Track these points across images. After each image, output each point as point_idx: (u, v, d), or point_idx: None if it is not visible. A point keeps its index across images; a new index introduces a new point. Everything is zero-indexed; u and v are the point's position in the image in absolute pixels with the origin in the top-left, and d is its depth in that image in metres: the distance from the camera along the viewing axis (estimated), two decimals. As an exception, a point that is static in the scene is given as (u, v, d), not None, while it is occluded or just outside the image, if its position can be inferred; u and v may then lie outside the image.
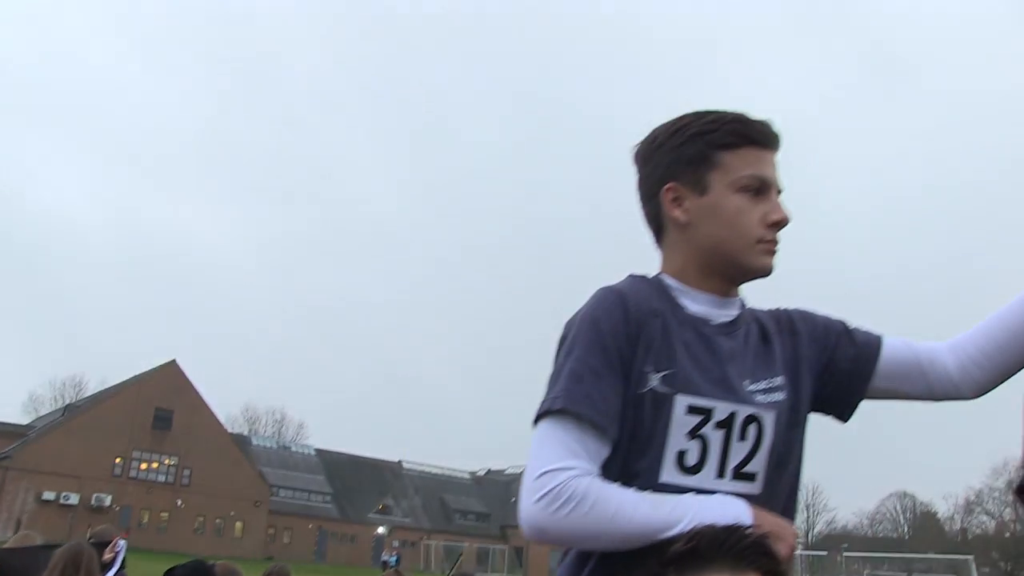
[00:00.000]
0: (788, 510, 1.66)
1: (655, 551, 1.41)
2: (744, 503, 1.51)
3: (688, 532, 1.41)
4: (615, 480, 1.51)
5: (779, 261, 1.67)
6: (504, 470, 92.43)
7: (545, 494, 1.46)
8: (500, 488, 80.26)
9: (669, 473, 1.54)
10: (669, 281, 1.69)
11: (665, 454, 1.54)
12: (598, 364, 1.54)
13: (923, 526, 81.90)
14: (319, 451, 71.35)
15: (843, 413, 1.77)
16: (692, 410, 1.54)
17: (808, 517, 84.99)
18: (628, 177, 1.78)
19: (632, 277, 1.71)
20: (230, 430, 65.66)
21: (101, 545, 5.59)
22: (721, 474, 1.56)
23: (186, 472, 56.40)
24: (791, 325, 1.75)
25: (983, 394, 1.75)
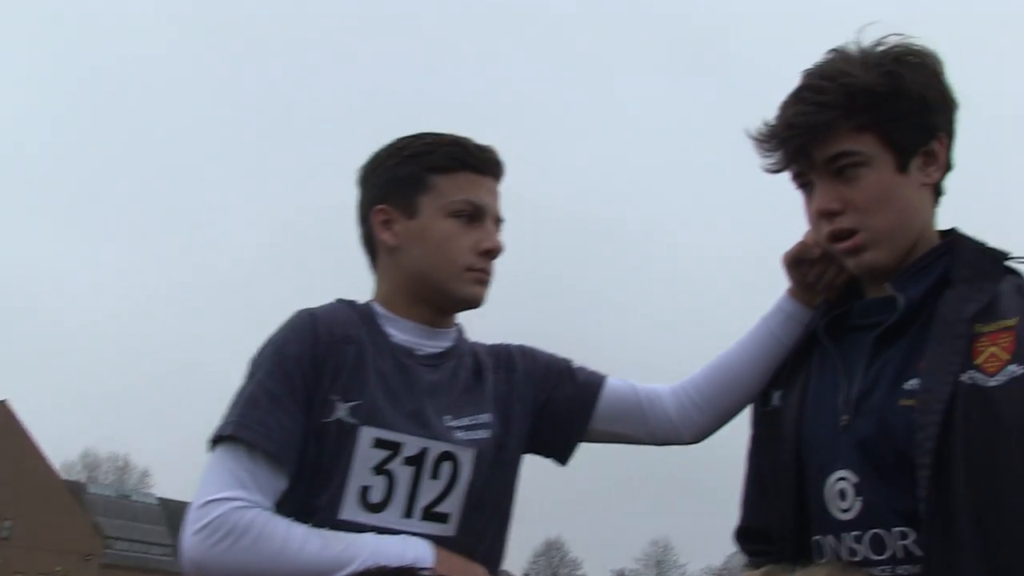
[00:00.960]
0: (492, 555, 1.58)
1: None
2: (429, 545, 1.43)
3: (359, 574, 1.33)
4: (293, 516, 1.41)
5: (491, 293, 1.62)
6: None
7: (204, 525, 1.35)
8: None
9: (350, 510, 1.44)
10: (377, 308, 1.62)
11: (347, 489, 1.44)
12: (278, 390, 1.45)
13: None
14: (162, 500, 67.62)
15: (562, 455, 1.72)
16: (379, 443, 1.46)
17: (659, 574, 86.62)
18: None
19: (338, 301, 1.63)
20: (66, 477, 61.45)
21: None
22: (409, 513, 1.47)
23: (7, 524, 52.27)
24: (510, 361, 1.69)
25: (703, 438, 1.74)
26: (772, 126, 1.49)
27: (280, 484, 1.43)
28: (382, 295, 1.64)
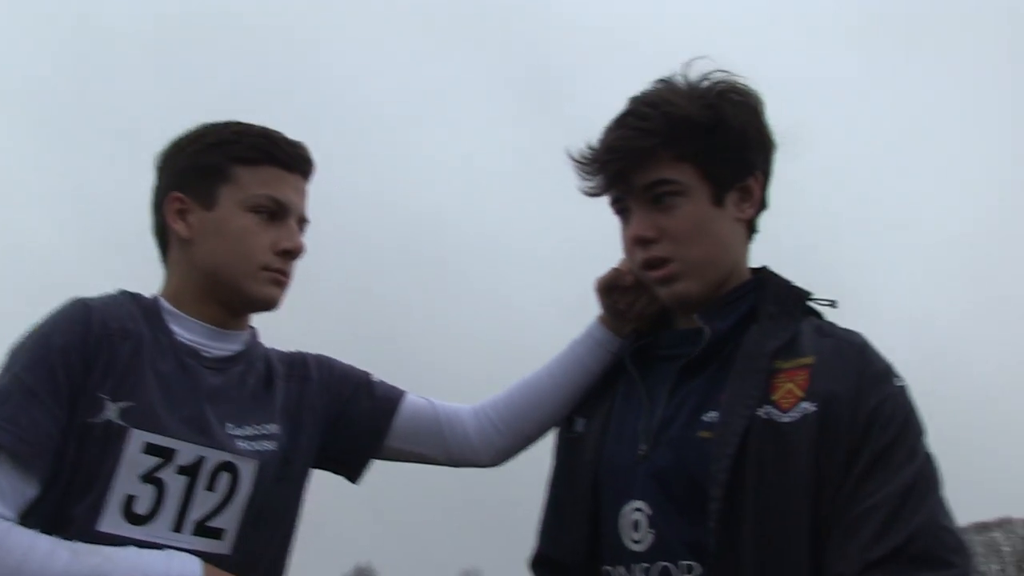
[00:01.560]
0: (271, 574, 1.46)
1: None
2: (199, 562, 1.31)
3: None
4: (43, 528, 1.26)
5: (287, 296, 1.51)
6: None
7: None
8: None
9: (111, 521, 1.30)
10: (164, 303, 1.48)
11: (109, 498, 1.30)
12: (37, 385, 1.30)
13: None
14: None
15: (353, 472, 1.64)
16: (151, 449, 1.33)
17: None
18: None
19: (121, 293, 1.49)
20: None
21: None
22: (179, 527, 1.34)
23: None
24: (304, 370, 1.59)
25: (503, 461, 1.69)
26: (594, 150, 1.48)
27: (29, 491, 1.27)
28: (171, 290, 1.50)
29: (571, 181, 1.52)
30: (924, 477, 1.28)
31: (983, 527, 63.90)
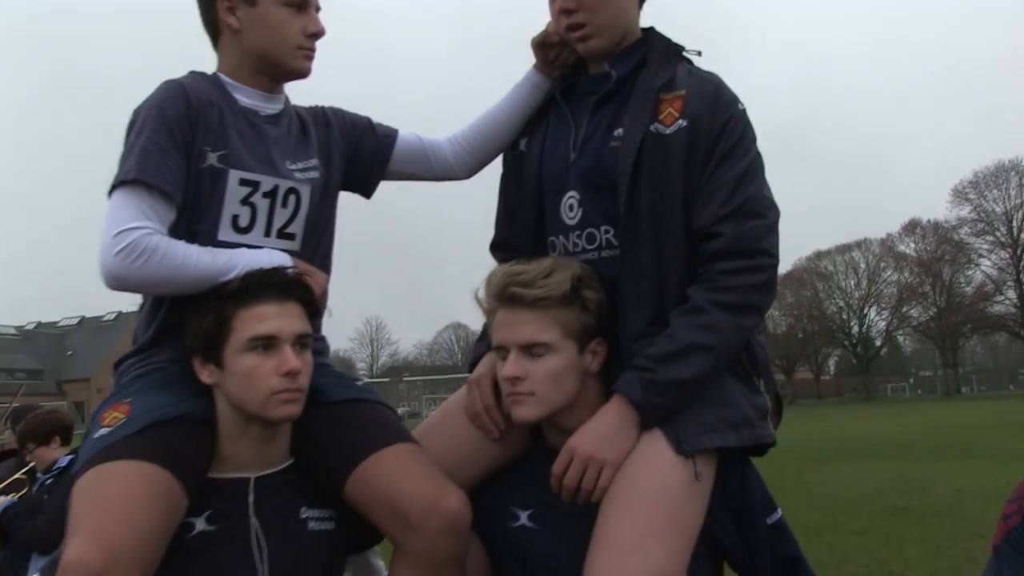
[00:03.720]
0: (324, 264, 2.11)
1: (215, 292, 1.79)
2: (286, 255, 1.93)
3: (242, 274, 1.80)
4: (182, 240, 1.82)
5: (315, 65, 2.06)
6: (57, 322, 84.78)
7: (122, 248, 1.73)
8: (53, 342, 73.99)
9: (225, 233, 1.90)
10: (224, 78, 2.00)
11: (221, 218, 1.89)
12: (165, 143, 1.82)
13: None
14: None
15: (367, 190, 2.27)
16: (243, 183, 1.90)
17: (372, 351, 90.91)
18: None
19: (193, 73, 1.99)
20: None
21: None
22: (268, 234, 1.95)
23: None
24: (325, 119, 2.17)
25: (472, 175, 2.34)
26: None
27: (171, 216, 1.83)
28: (227, 68, 2.01)
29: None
30: (754, 167, 1.94)
31: (844, 248, 69.85)
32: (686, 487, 1.73)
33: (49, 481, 4.46)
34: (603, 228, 1.99)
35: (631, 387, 1.79)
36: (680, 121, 1.94)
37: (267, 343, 1.72)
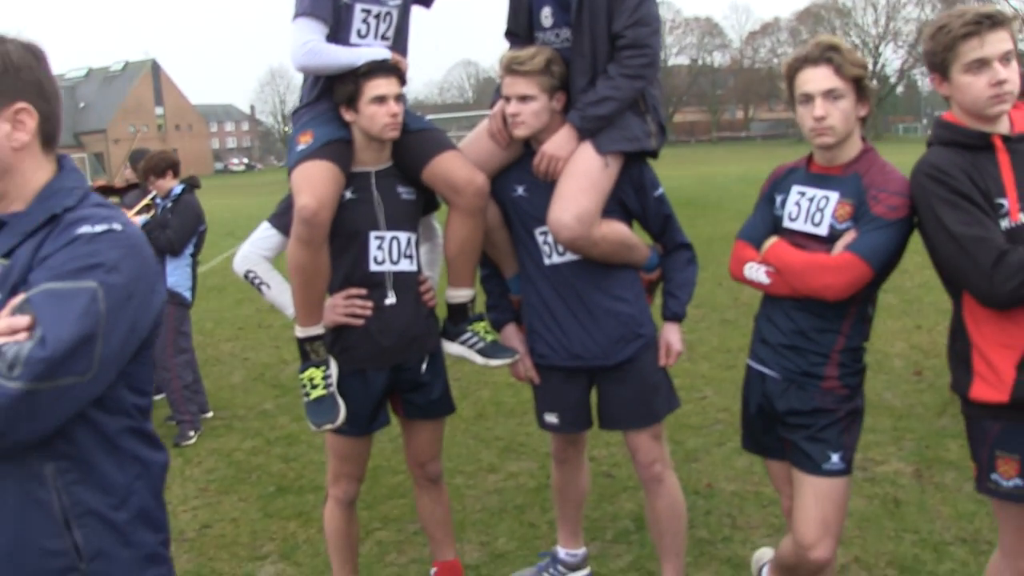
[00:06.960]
0: (404, 52, 3.26)
1: (352, 71, 2.99)
2: (387, 50, 3.12)
3: (367, 61, 3.01)
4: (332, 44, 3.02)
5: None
6: (64, 74, 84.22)
7: (308, 50, 2.96)
8: (64, 95, 73.07)
9: (354, 39, 3.07)
10: None
11: (351, 33, 3.08)
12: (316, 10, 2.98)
13: (485, 91, 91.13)
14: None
15: (427, 2, 3.37)
16: (362, 11, 3.07)
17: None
18: None
19: None
20: None
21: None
22: (376, 38, 3.14)
23: None
24: None
25: None
26: None
27: (326, 31, 2.99)
28: None
29: None
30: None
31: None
32: (600, 169, 3.02)
33: (169, 204, 5.91)
34: (564, 28, 3.15)
35: (573, 118, 3.01)
36: None
37: (380, 99, 2.93)
